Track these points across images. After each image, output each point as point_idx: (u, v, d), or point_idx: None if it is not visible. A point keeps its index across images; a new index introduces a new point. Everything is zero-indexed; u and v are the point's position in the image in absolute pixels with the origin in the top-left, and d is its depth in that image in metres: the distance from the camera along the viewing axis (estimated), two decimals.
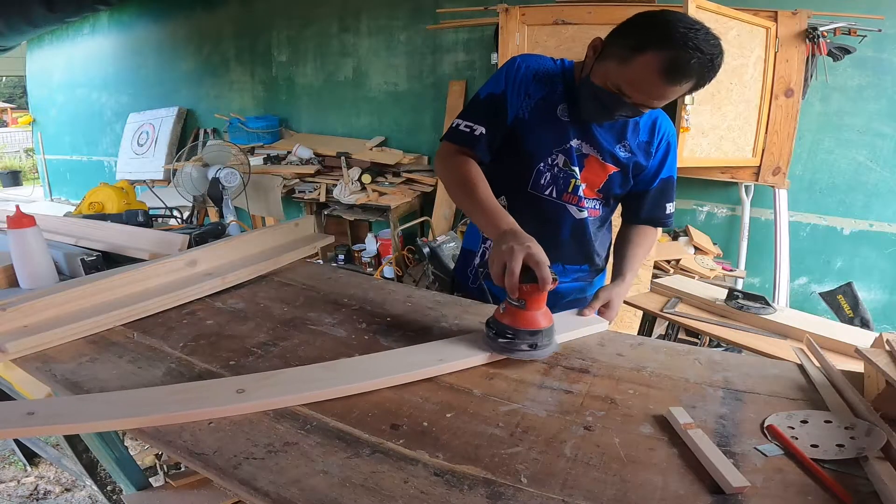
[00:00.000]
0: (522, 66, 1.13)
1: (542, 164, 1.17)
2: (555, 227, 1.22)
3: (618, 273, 1.21)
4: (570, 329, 1.01)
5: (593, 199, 1.22)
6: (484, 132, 1.10)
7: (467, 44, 3.85)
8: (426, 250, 3.02)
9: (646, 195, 1.24)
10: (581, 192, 1.19)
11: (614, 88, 1.00)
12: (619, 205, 1.31)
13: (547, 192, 1.19)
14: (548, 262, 0.85)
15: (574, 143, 1.15)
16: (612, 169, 1.18)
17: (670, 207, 1.25)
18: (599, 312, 1.11)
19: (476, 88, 3.98)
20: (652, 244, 1.29)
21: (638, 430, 0.73)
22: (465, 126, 1.11)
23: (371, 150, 4.19)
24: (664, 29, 0.91)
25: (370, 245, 4.11)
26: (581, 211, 1.21)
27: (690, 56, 0.89)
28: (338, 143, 4.37)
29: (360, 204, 3.76)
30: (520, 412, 0.77)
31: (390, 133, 4.35)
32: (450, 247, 3.08)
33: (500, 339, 0.89)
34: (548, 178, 1.18)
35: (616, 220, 1.33)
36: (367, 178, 3.87)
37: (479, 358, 0.89)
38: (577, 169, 1.17)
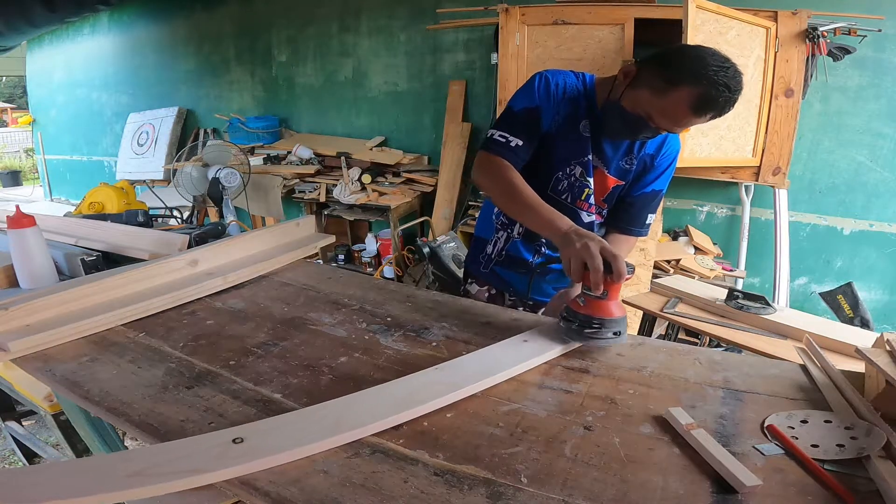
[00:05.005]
0: (552, 83, 1.19)
1: (560, 173, 1.26)
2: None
3: None
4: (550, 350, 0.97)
5: (598, 207, 1.30)
6: (521, 144, 1.16)
7: (467, 44, 3.85)
8: (426, 250, 3.02)
9: (631, 200, 1.29)
10: (591, 200, 1.28)
11: (644, 115, 1.07)
12: None
13: (563, 197, 1.27)
14: (620, 254, 0.91)
15: (590, 156, 1.23)
16: (616, 182, 1.27)
17: (650, 218, 1.31)
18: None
19: (476, 88, 4.01)
20: (625, 256, 1.32)
21: (638, 430, 0.73)
22: (501, 136, 1.16)
23: (371, 150, 4.19)
24: (699, 66, 0.98)
25: (370, 245, 4.11)
26: (590, 216, 1.29)
27: (719, 93, 0.97)
28: (338, 143, 4.37)
29: (360, 204, 3.76)
30: (520, 412, 0.77)
31: (390, 133, 4.35)
32: (450, 247, 3.08)
33: (587, 330, 0.95)
34: (565, 185, 1.26)
35: None
36: (367, 178, 3.87)
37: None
38: (591, 179, 1.25)
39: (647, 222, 1.31)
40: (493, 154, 1.16)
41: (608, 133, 1.20)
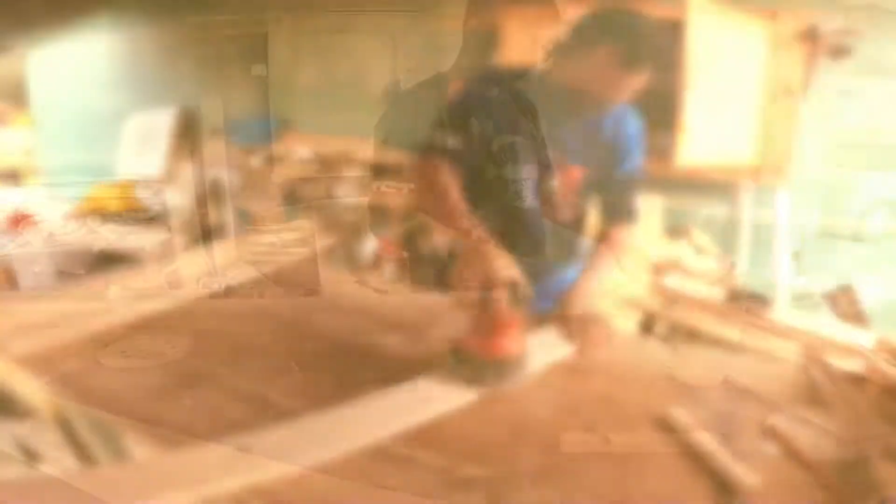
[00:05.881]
0: (485, 79, 1.18)
1: (520, 182, 1.20)
2: (537, 233, 1.24)
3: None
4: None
5: (570, 204, 1.25)
6: (457, 145, 1.11)
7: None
8: (426, 251, 3.01)
9: (609, 188, 1.26)
10: (558, 199, 1.23)
11: (574, 85, 1.04)
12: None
13: (528, 205, 1.22)
14: (513, 280, 0.79)
15: (546, 152, 1.19)
16: (581, 171, 1.22)
17: (636, 203, 1.28)
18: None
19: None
20: (621, 247, 1.30)
21: (638, 431, 0.73)
22: (439, 138, 1.13)
23: (371, 150, 4.19)
24: (616, 22, 1.00)
25: (370, 245, 4.11)
26: (561, 215, 1.24)
27: (642, 44, 0.97)
28: (338, 142, 4.37)
29: (360, 204, 3.76)
30: (520, 412, 0.76)
31: (390, 133, 4.35)
32: None
33: (460, 367, 0.81)
34: (526, 189, 1.21)
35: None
36: (367, 178, 3.87)
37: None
38: (552, 180, 1.21)
39: (635, 207, 1.28)
40: (429, 154, 1.12)
41: (549, 116, 1.16)
